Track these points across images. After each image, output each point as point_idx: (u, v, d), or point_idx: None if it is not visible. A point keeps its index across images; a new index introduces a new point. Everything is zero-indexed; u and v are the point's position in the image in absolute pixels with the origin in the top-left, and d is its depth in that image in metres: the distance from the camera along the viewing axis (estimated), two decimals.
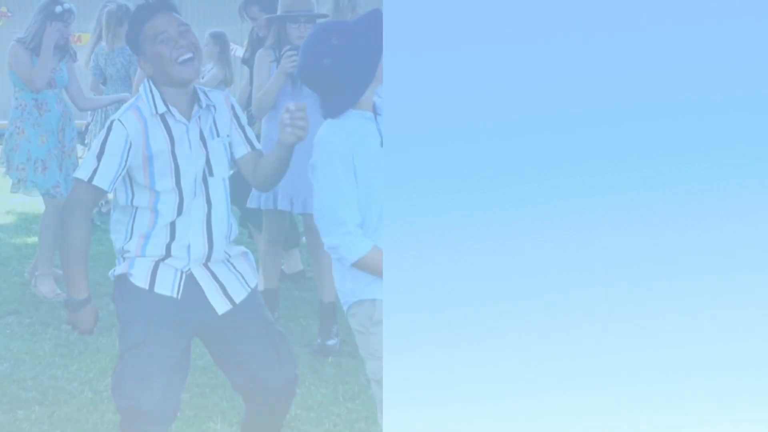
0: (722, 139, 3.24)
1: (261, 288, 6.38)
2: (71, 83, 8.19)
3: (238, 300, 4.29)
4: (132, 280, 4.20)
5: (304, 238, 7.97)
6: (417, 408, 3.35)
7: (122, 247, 4.24)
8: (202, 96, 4.24)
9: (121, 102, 8.03)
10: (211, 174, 4.23)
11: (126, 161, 4.11)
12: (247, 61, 8.04)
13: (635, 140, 3.26)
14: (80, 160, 7.91)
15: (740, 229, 3.26)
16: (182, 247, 4.20)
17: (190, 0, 20.70)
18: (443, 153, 3.37)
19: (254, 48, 7.71)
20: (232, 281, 4.30)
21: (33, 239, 9.55)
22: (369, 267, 3.95)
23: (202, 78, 8.97)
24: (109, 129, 4.12)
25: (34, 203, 11.03)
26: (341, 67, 3.96)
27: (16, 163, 7.93)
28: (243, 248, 4.42)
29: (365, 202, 3.95)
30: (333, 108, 4.01)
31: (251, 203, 6.96)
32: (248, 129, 4.38)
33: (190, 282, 4.22)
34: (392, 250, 3.52)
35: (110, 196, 4.55)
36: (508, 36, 3.24)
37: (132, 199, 4.20)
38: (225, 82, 9.54)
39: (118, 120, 4.13)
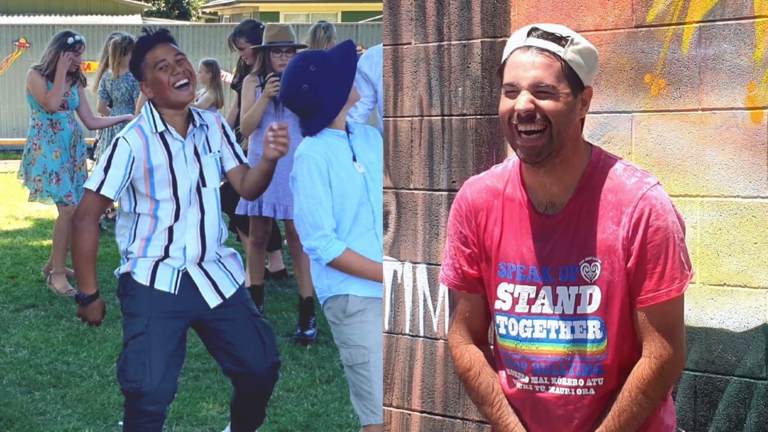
0: None
1: (248, 284, 6.34)
2: (82, 105, 8.17)
3: (227, 295, 4.26)
4: (134, 277, 4.17)
5: (285, 241, 7.94)
6: None
7: (126, 249, 4.21)
8: (196, 116, 4.22)
9: (125, 122, 7.98)
10: (204, 185, 4.21)
11: (130, 174, 4.08)
12: (236, 86, 7.99)
13: None
14: (89, 173, 7.86)
15: None
16: (179, 248, 4.17)
17: (186, 32, 20.65)
18: None
19: (242, 74, 7.68)
20: (223, 279, 4.27)
21: (48, 242, 9.48)
22: (342, 266, 3.93)
23: (196, 101, 8.92)
24: (115, 145, 4.10)
25: (49, 210, 11.02)
26: (318, 92, 3.94)
27: (33, 175, 7.92)
28: (232, 250, 4.39)
29: (339, 209, 3.94)
30: (311, 127, 4.00)
31: (239, 210, 6.94)
32: (236, 145, 4.36)
33: (186, 279, 4.19)
34: None
35: (116, 204, 4.51)
36: None
37: (135, 207, 4.17)
38: (216, 105, 9.49)
39: (123, 137, 4.10)
